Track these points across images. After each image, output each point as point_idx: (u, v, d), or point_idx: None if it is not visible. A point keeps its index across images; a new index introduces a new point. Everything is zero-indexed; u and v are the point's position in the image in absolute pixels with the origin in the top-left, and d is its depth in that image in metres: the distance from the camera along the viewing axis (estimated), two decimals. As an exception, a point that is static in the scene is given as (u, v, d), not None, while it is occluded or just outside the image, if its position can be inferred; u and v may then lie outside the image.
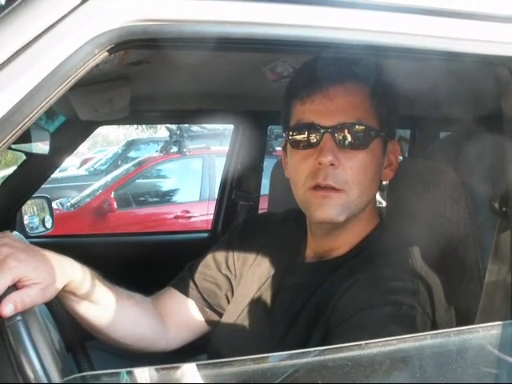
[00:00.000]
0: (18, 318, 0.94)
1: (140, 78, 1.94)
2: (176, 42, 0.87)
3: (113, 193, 7.52)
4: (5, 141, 0.78)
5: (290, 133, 1.29)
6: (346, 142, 1.22)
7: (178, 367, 0.88)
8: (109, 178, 8.61)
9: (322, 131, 1.22)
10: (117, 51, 0.83)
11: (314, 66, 1.28)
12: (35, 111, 0.79)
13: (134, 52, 1.53)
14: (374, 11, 0.97)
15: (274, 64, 1.81)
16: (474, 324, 1.10)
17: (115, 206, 7.31)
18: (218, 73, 1.88)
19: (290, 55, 1.67)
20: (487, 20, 1.01)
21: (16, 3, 0.79)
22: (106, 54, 0.82)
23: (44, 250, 1.09)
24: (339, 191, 1.22)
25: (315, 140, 1.23)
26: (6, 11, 0.78)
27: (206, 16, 0.85)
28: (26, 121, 0.79)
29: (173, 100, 2.50)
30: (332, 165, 1.21)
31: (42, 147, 2.20)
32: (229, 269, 1.47)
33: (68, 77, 0.80)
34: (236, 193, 3.00)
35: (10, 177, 2.81)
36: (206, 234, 3.24)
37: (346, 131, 1.22)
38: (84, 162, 13.94)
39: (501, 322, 1.01)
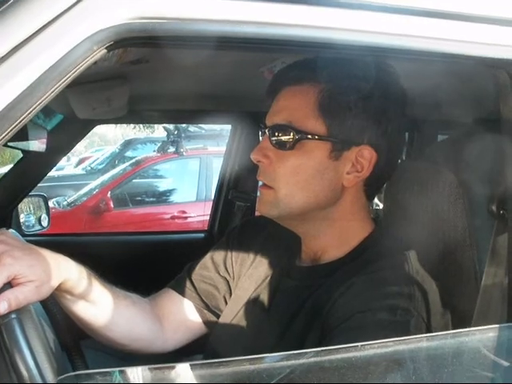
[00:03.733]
0: (13, 315, 0.94)
1: (138, 77, 1.94)
2: (175, 40, 0.87)
3: (109, 192, 7.51)
4: (2, 137, 0.78)
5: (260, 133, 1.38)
6: (276, 142, 1.26)
7: (171, 367, 0.88)
8: (105, 177, 8.59)
9: (264, 130, 1.29)
10: (115, 48, 0.82)
11: (283, 69, 1.35)
12: (33, 107, 0.79)
13: (133, 51, 1.52)
14: (373, 12, 0.96)
15: (272, 64, 1.81)
16: (470, 327, 1.10)
17: (112, 205, 7.30)
18: (217, 73, 1.88)
19: (288, 56, 1.67)
20: (486, 22, 1.01)
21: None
22: (105, 51, 0.82)
23: (40, 248, 1.08)
24: (270, 188, 1.27)
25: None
26: (3, 7, 0.78)
27: (205, 15, 0.85)
28: (23, 117, 0.78)
29: (171, 100, 2.50)
30: (260, 162, 1.27)
31: (39, 145, 2.20)
32: (227, 271, 1.47)
33: (66, 73, 0.79)
34: (233, 193, 2.99)
35: (6, 174, 2.80)
36: (202, 235, 3.24)
37: (276, 132, 1.26)
38: (81, 161, 13.91)
39: (497, 325, 1.01)
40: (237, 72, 1.91)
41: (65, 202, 7.73)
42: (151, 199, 8.17)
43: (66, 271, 1.12)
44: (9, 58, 0.77)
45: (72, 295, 1.18)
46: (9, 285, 0.97)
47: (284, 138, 1.24)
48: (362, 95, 1.24)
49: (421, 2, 0.99)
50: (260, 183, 1.32)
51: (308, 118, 1.24)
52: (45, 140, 2.25)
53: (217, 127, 8.57)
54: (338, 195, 1.28)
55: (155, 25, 0.82)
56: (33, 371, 0.90)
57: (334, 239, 1.30)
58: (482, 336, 1.02)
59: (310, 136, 1.24)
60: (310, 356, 0.92)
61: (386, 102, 1.27)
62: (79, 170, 11.92)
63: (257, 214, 3.02)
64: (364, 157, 1.27)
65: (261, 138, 1.34)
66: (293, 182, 1.25)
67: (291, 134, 1.24)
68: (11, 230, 1.40)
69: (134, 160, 8.94)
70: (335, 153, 1.25)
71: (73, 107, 2.10)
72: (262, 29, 0.90)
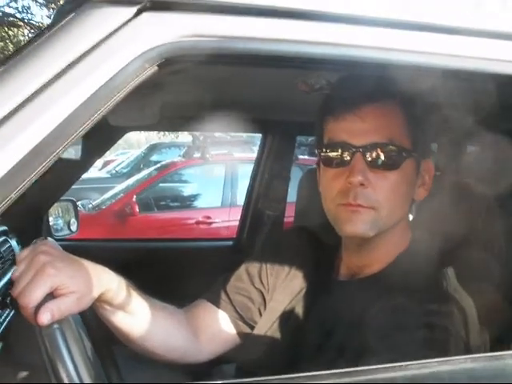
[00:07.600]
0: (55, 326, 0.95)
1: (173, 84, 1.94)
2: (225, 57, 0.88)
3: (135, 196, 7.53)
4: (56, 152, 0.79)
5: (323, 150, 1.29)
6: (378, 162, 1.22)
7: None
8: (131, 181, 8.62)
9: (353, 150, 1.22)
10: (167, 65, 0.83)
11: (348, 84, 1.28)
12: (85, 124, 0.80)
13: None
14: (412, 31, 0.97)
15: (307, 76, 1.80)
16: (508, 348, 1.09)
17: (137, 209, 7.32)
18: (252, 82, 1.88)
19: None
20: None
21: (69, 17, 0.79)
22: (156, 68, 0.82)
23: (80, 259, 1.10)
24: (369, 208, 1.22)
25: (346, 159, 1.24)
26: (60, 24, 0.79)
27: (254, 33, 0.86)
28: (76, 133, 0.80)
29: (203, 107, 2.50)
30: (362, 185, 1.21)
31: (75, 152, 2.21)
32: (262, 283, 1.46)
33: (118, 91, 0.80)
34: (263, 202, 2.99)
35: (38, 180, 2.81)
36: (230, 242, 3.22)
37: (377, 151, 1.22)
38: (106, 164, 13.97)
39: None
40: (271, 82, 1.91)
41: (90, 205, 7.75)
42: (176, 204, 8.17)
43: (106, 282, 1.13)
44: (63, 75, 0.78)
45: (111, 306, 1.19)
46: (51, 295, 0.98)
47: (388, 156, 1.22)
48: (431, 111, 1.28)
49: (464, 22, 0.99)
50: (326, 199, 1.28)
51: (404, 136, 1.25)
52: (80, 147, 2.26)
53: (242, 134, 8.55)
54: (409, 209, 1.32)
55: (206, 43, 0.82)
56: (74, 379, 0.92)
57: (380, 252, 1.30)
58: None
59: (415, 154, 1.26)
60: (351, 375, 0.91)
61: (433, 117, 1.31)
62: (104, 173, 11.99)
63: (286, 222, 3.02)
64: (427, 170, 1.31)
65: (322, 162, 1.30)
66: (393, 201, 1.24)
67: (397, 152, 1.23)
68: (50, 239, 1.41)
69: (159, 164, 8.96)
70: (416, 168, 1.28)
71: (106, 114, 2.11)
72: (307, 48, 0.90)
